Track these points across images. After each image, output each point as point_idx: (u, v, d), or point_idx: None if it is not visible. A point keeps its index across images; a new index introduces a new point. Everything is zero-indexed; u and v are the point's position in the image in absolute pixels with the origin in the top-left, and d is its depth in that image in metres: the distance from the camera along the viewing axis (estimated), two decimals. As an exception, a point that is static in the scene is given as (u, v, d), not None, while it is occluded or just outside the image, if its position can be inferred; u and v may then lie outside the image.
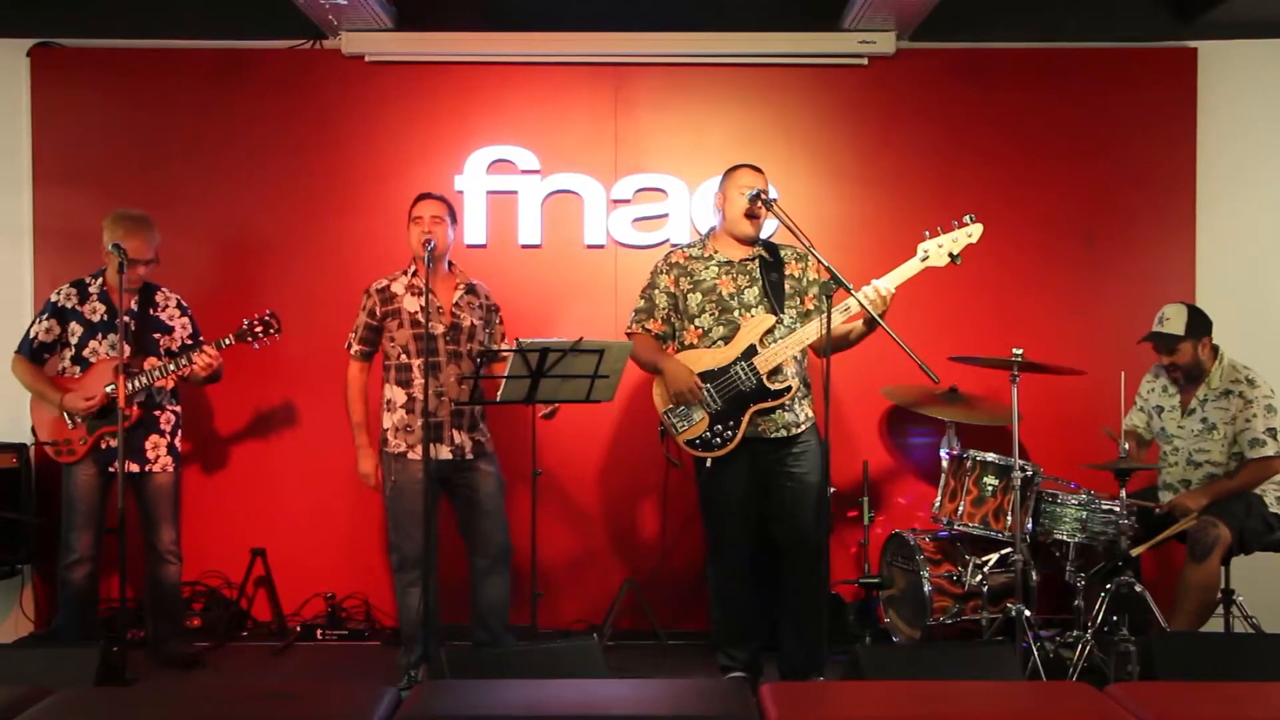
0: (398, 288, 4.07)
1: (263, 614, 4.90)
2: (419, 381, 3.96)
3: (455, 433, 4.01)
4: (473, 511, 4.09)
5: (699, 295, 3.91)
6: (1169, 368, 4.31)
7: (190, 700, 2.96)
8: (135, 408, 4.12)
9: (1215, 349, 4.29)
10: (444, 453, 3.98)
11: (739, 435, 3.79)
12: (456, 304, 4.07)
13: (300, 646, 4.72)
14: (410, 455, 3.96)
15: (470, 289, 4.14)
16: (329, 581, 4.87)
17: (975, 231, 3.75)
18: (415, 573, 3.95)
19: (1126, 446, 4.07)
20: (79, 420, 4.14)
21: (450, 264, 4.17)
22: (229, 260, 4.93)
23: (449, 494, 4.11)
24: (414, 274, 4.06)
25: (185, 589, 4.70)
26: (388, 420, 4.04)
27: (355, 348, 4.12)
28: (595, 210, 4.94)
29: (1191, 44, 4.98)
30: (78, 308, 4.20)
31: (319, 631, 4.78)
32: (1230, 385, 4.22)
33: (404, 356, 4.01)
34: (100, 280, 4.24)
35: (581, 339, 3.68)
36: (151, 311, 4.27)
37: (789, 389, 3.79)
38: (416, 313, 3.99)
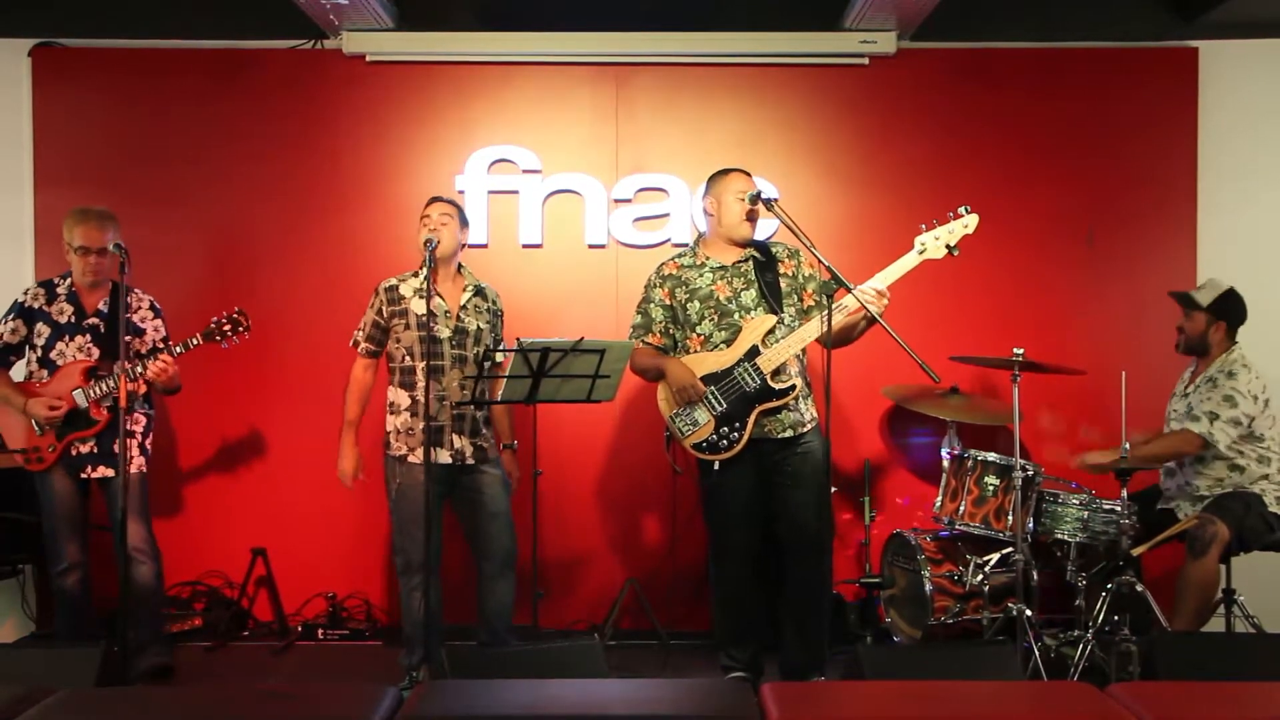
0: (406, 290, 4.06)
1: (264, 614, 4.90)
2: (422, 384, 3.95)
3: (455, 437, 4.00)
4: (478, 515, 4.07)
5: (697, 303, 3.91)
6: (1178, 330, 4.36)
7: (190, 700, 2.96)
8: (104, 412, 3.99)
9: (1233, 343, 4.30)
10: (443, 457, 3.96)
11: (745, 436, 3.79)
12: (464, 307, 4.06)
13: (301, 646, 4.72)
14: (411, 459, 3.95)
15: (479, 292, 4.13)
16: (330, 581, 4.87)
17: (971, 222, 3.75)
18: (419, 576, 3.94)
19: (1128, 445, 4.07)
20: (47, 427, 4.01)
21: (460, 266, 4.16)
22: (229, 259, 4.93)
23: (453, 498, 4.09)
24: (424, 276, 4.05)
25: (185, 589, 4.70)
26: (390, 423, 4.03)
27: (363, 345, 4.08)
28: (596, 210, 4.94)
29: (1192, 44, 4.98)
30: (45, 308, 4.06)
31: (320, 631, 4.78)
32: (1216, 373, 4.24)
33: (408, 359, 4.00)
34: (69, 281, 4.10)
35: (582, 339, 3.69)
36: (123, 313, 4.12)
37: (793, 387, 3.80)
38: (424, 315, 3.99)
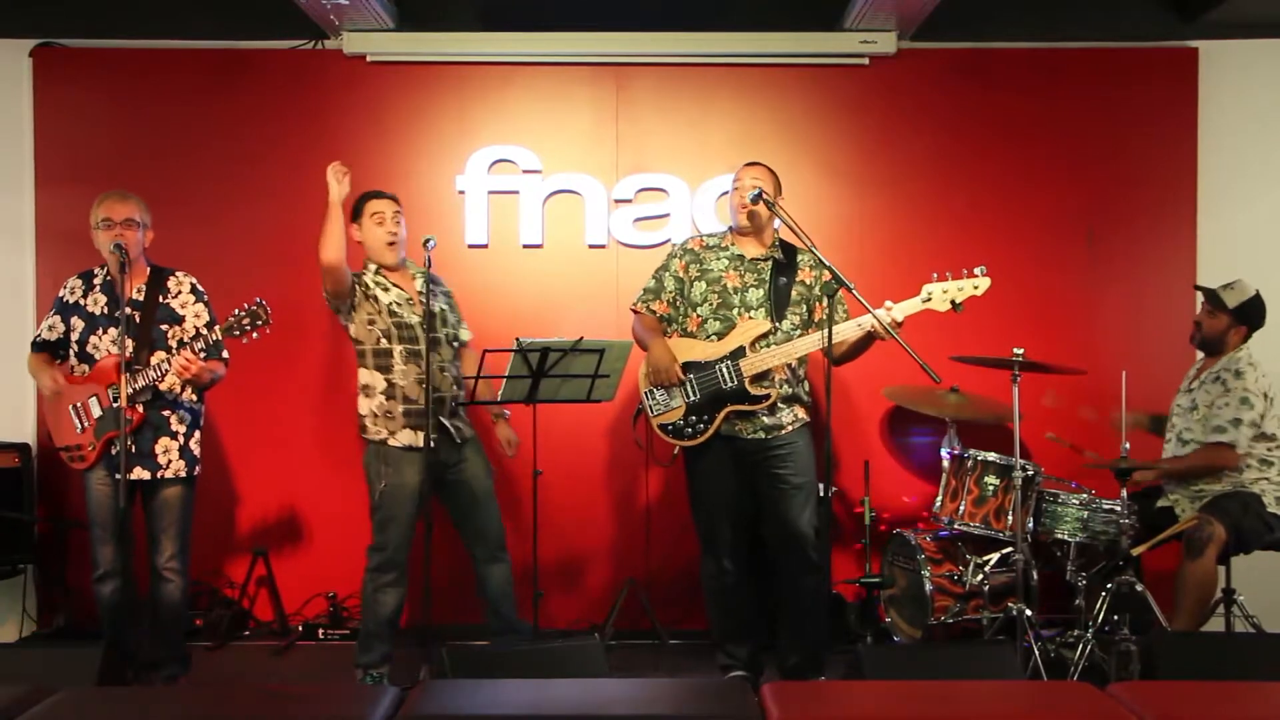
0: (368, 280, 4.00)
1: (264, 614, 4.91)
2: (400, 368, 3.93)
3: (438, 419, 3.97)
4: (466, 503, 4.08)
5: (703, 284, 3.92)
6: (1196, 324, 4.36)
7: (190, 700, 2.97)
8: (139, 409, 3.79)
9: (1245, 347, 4.31)
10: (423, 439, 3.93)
11: (710, 430, 3.82)
12: (421, 292, 4.04)
13: (302, 646, 4.73)
14: (392, 442, 3.93)
15: (428, 276, 4.05)
16: (330, 581, 4.87)
17: (982, 285, 3.75)
18: (394, 573, 3.98)
19: (1127, 446, 4.07)
20: (86, 423, 3.86)
21: (403, 258, 4.13)
22: (229, 260, 4.91)
23: (439, 489, 4.06)
24: (376, 270, 4.01)
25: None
26: (365, 406, 3.98)
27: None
28: (597, 210, 4.95)
29: (1192, 44, 4.98)
30: (80, 301, 3.90)
31: (320, 631, 4.78)
32: (1221, 371, 4.25)
33: (384, 341, 3.95)
34: (106, 271, 3.92)
35: (582, 339, 3.69)
36: (161, 299, 3.91)
37: (767, 397, 3.80)
38: (392, 303, 3.97)
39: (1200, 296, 4.43)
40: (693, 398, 3.83)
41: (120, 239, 3.79)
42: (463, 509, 4.11)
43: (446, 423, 3.98)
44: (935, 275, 3.76)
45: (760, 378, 3.80)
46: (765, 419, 3.84)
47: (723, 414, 3.81)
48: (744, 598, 3.99)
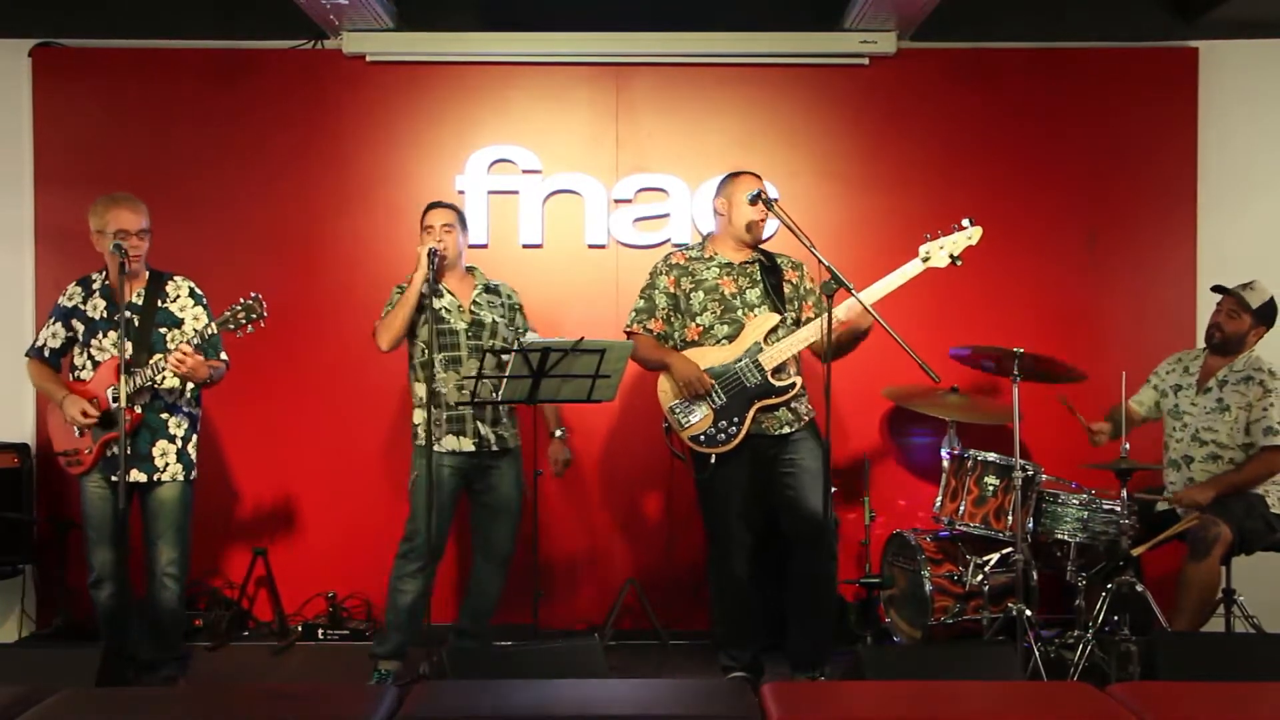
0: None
1: (264, 614, 4.90)
2: (440, 375, 4.00)
3: (479, 425, 4.04)
4: (487, 512, 4.13)
5: (701, 294, 3.93)
6: (1214, 326, 4.32)
7: (190, 700, 2.97)
8: (137, 411, 3.77)
9: (1259, 346, 4.31)
10: (467, 445, 4.01)
11: (743, 431, 3.81)
12: (475, 301, 4.10)
13: (301, 646, 4.72)
14: (438, 448, 3.99)
15: (490, 288, 4.17)
16: (330, 581, 4.87)
17: (974, 234, 3.78)
18: (417, 565, 3.99)
19: (1127, 446, 4.07)
20: (85, 428, 3.83)
21: (471, 269, 4.21)
22: (229, 260, 4.90)
23: (468, 490, 4.13)
24: (429, 281, 3.99)
25: (186, 589, 4.69)
26: (417, 416, 4.07)
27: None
28: (596, 210, 4.95)
29: (1193, 44, 4.98)
30: (80, 306, 3.89)
31: (320, 631, 4.78)
32: (1252, 372, 4.23)
33: (426, 352, 4.00)
34: (104, 275, 3.91)
35: (582, 339, 3.69)
36: (160, 303, 3.92)
37: (793, 385, 3.82)
38: (442, 309, 4.03)
39: (1216, 298, 4.38)
40: (719, 403, 3.83)
41: (135, 249, 3.79)
42: (481, 518, 4.16)
43: (485, 429, 4.03)
44: (927, 235, 3.77)
45: (779, 370, 3.83)
46: (788, 412, 3.87)
47: (752, 412, 3.82)
48: (750, 599, 4.00)
